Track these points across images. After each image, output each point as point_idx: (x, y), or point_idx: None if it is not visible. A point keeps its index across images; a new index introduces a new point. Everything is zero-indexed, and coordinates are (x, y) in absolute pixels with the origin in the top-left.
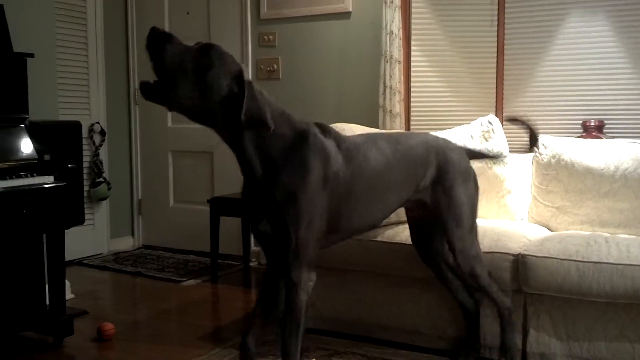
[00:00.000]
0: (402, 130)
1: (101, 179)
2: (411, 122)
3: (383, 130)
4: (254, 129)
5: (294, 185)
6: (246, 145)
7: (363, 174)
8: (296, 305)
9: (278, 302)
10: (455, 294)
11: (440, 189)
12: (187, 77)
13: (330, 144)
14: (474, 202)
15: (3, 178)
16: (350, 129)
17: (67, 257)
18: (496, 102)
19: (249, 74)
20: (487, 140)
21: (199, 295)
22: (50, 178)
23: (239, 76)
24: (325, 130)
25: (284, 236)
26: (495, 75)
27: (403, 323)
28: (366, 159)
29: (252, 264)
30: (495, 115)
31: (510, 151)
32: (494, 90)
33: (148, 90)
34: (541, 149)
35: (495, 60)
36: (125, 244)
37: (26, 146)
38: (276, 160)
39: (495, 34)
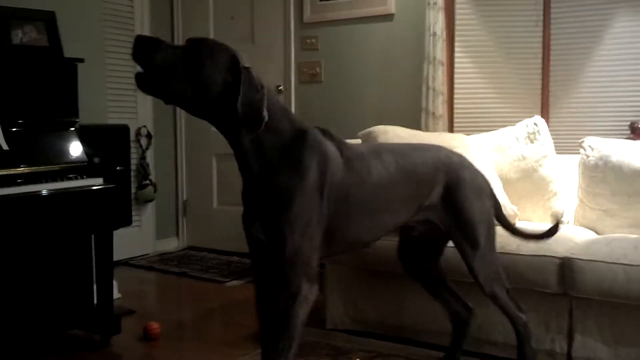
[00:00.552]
0: (415, 144)
1: (147, 182)
2: (454, 124)
3: (389, 142)
4: (251, 119)
5: (289, 187)
6: (243, 140)
7: (363, 185)
8: (292, 320)
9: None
10: (447, 307)
11: (451, 209)
12: (179, 80)
13: (331, 148)
14: (490, 220)
15: (54, 180)
16: (393, 131)
17: (115, 258)
18: (542, 103)
19: (244, 61)
20: (532, 142)
21: (242, 295)
22: (100, 180)
23: (233, 65)
24: (327, 134)
25: (278, 243)
26: (540, 76)
27: (447, 326)
28: (368, 171)
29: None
30: (541, 117)
31: (557, 153)
32: (540, 91)
33: (144, 82)
34: (588, 150)
35: (540, 60)
36: (171, 245)
37: (76, 149)
38: (272, 159)
39: (541, 33)
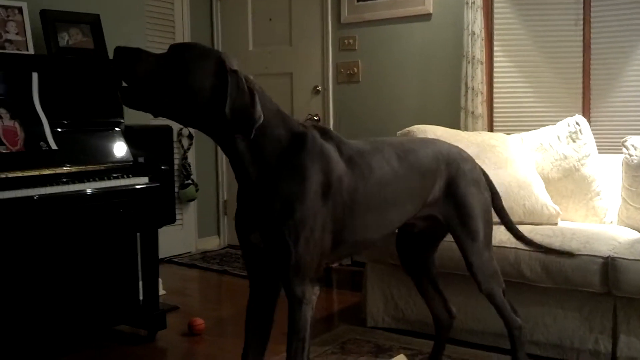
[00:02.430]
0: (412, 137)
1: (189, 181)
2: (494, 124)
3: (384, 138)
4: (242, 124)
5: (291, 194)
6: (239, 147)
7: (366, 182)
8: (301, 322)
9: (267, 333)
10: (431, 307)
11: (452, 202)
12: (164, 90)
13: (330, 149)
14: (489, 214)
15: (101, 179)
16: (432, 131)
17: (159, 255)
18: (583, 102)
19: (234, 64)
20: (574, 142)
21: (281, 293)
22: (145, 179)
23: (220, 69)
24: (325, 134)
25: (282, 251)
26: (581, 75)
27: (487, 325)
28: (370, 168)
29: (333, 265)
30: (582, 116)
31: (599, 152)
32: (580, 90)
33: (128, 97)
34: (631, 150)
35: (581, 59)
36: (212, 243)
37: (121, 149)
38: (271, 166)
39: (581, 32)
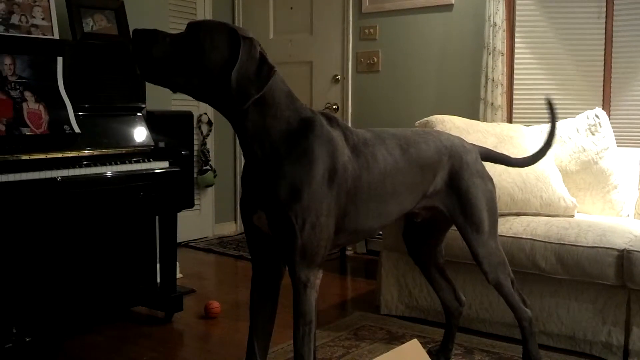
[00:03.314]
0: (416, 129)
1: (208, 167)
2: (513, 115)
3: (389, 128)
4: (242, 90)
5: (298, 178)
6: (247, 125)
7: (370, 172)
8: (307, 306)
9: (272, 316)
10: (440, 295)
11: (455, 194)
12: (181, 69)
13: (337, 136)
14: (494, 205)
15: (122, 162)
16: (450, 121)
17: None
18: (603, 95)
19: (248, 33)
20: (593, 134)
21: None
22: (165, 163)
23: (232, 40)
24: (332, 120)
25: (288, 235)
26: (602, 68)
27: (499, 315)
28: (374, 157)
29: (348, 252)
30: (602, 109)
31: (618, 145)
32: (601, 84)
33: (147, 75)
34: None
35: (602, 52)
36: (229, 228)
37: (142, 134)
38: (278, 147)
39: (603, 25)
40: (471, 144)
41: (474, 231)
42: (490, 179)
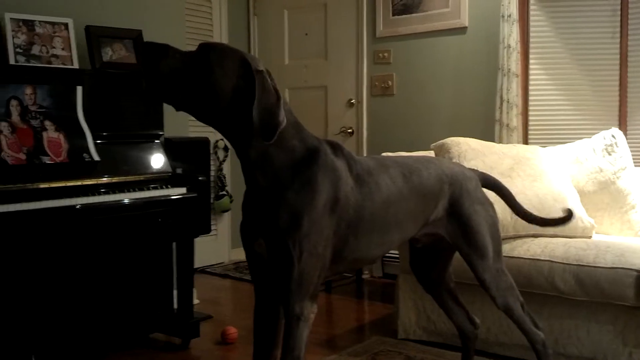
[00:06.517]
0: (416, 155)
1: (224, 192)
2: (529, 136)
3: (391, 154)
4: (267, 126)
5: (300, 206)
6: (251, 153)
7: (373, 202)
8: (297, 342)
9: (277, 341)
10: (453, 319)
11: (457, 221)
12: (187, 87)
13: (341, 165)
14: (496, 230)
15: (140, 189)
16: (466, 143)
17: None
18: (619, 115)
19: (260, 65)
20: (610, 155)
21: None
22: (183, 190)
23: (245, 70)
24: (337, 149)
25: (284, 263)
26: (617, 88)
27: (515, 338)
28: (377, 186)
29: (364, 276)
30: (619, 129)
31: (635, 165)
32: (617, 103)
33: (152, 90)
34: None
35: (617, 72)
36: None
37: (161, 160)
38: (281, 175)
39: (618, 45)
40: (471, 169)
41: (478, 257)
42: (491, 205)
